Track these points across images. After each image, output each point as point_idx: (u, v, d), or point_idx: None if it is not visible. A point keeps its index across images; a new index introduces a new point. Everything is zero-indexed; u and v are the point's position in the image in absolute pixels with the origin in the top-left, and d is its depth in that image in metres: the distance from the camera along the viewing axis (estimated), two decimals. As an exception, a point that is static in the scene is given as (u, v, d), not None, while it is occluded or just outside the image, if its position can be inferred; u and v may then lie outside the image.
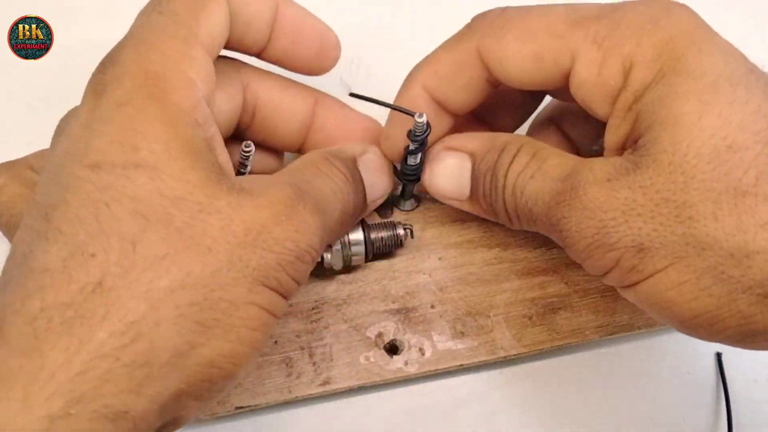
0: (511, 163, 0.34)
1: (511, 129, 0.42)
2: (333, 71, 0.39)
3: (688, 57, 0.29)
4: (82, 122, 0.29)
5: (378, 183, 0.39)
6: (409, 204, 0.42)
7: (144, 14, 0.32)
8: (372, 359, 0.38)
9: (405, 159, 0.38)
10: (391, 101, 0.37)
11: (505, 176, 0.34)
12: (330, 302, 0.40)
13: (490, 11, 0.35)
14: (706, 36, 0.30)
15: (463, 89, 0.36)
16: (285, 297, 0.30)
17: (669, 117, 0.28)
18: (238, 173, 0.35)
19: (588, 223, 0.30)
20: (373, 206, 0.39)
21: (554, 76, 0.33)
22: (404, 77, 0.38)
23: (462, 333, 0.39)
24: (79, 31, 0.49)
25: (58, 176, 0.28)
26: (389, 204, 0.42)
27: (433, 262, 0.41)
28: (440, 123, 0.37)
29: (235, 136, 0.38)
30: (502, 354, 0.39)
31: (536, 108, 0.42)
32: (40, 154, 0.39)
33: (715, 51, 0.29)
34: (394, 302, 0.40)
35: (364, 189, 0.37)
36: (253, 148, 0.33)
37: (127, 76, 0.29)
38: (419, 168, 0.39)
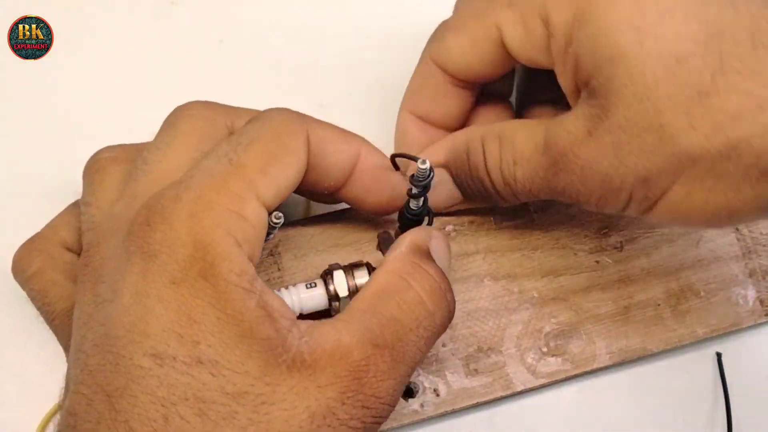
0: (485, 160, 0.35)
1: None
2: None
3: None
4: (135, 290, 0.28)
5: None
6: None
7: (216, 156, 0.31)
8: (388, 404, 0.39)
9: (408, 202, 0.37)
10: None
11: (488, 174, 0.35)
12: None
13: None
14: None
15: (436, 100, 0.37)
16: None
17: (613, 52, 0.30)
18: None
19: (591, 178, 0.32)
20: None
21: (496, 55, 0.34)
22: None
23: (476, 370, 0.39)
24: (79, 31, 0.48)
25: (117, 359, 0.28)
26: (389, 243, 0.41)
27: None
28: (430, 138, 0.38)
29: None
30: (518, 389, 0.39)
31: None
32: (74, 226, 0.36)
33: None
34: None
35: (453, 297, 0.34)
36: (282, 220, 0.32)
37: (179, 245, 0.28)
38: (422, 212, 0.37)
